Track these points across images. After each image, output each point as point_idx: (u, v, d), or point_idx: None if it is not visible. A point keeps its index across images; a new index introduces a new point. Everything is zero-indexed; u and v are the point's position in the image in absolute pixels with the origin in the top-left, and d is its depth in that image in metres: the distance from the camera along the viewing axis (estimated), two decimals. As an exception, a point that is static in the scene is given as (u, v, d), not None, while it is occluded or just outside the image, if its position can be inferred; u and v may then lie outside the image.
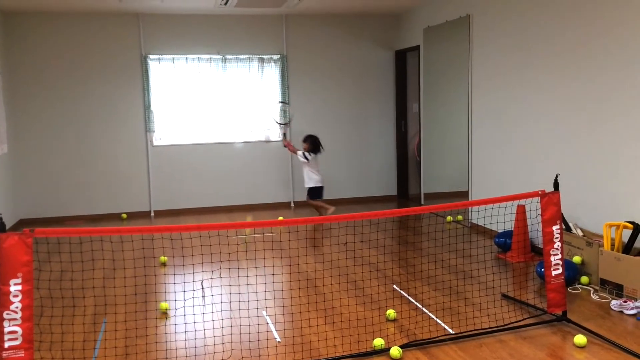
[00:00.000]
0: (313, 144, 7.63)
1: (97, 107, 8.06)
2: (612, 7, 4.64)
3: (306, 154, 7.59)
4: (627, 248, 4.35)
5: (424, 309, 4.25)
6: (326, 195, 8.82)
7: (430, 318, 4.07)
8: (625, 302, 4.07)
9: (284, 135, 8.28)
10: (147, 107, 8.16)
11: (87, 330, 4.02)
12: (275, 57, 8.52)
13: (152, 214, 8.31)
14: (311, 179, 7.67)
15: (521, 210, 5.49)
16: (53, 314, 4.23)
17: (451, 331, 3.82)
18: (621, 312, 4.04)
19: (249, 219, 7.88)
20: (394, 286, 4.81)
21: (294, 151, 7.78)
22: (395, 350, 3.43)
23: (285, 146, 7.98)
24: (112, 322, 4.17)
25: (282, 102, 8.41)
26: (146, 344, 3.76)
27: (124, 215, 8.18)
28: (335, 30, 8.71)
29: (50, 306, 4.42)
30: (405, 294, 4.59)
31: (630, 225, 4.31)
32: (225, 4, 7.39)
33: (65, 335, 3.86)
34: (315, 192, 7.70)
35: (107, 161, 8.17)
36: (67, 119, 7.98)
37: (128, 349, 3.69)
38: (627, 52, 4.52)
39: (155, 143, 8.26)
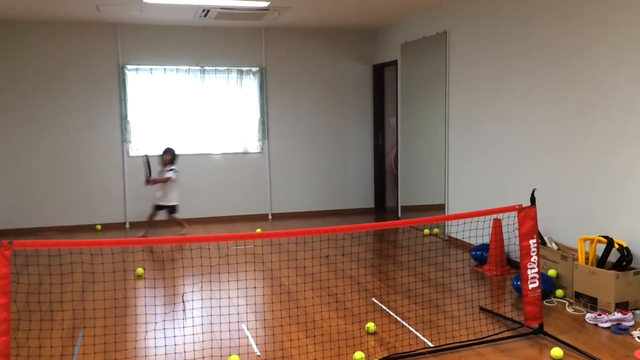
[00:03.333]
0: (174, 156, 7.49)
1: (73, 117, 7.98)
2: (586, 24, 4.77)
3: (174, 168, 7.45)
4: (601, 262, 4.45)
5: (403, 322, 4.29)
6: (304, 207, 8.89)
7: (409, 331, 4.11)
8: (599, 315, 4.16)
9: None
10: (123, 118, 8.10)
11: (65, 344, 3.96)
12: (254, 69, 8.55)
13: (127, 226, 8.22)
14: (174, 195, 7.49)
15: (498, 224, 5.57)
16: (30, 327, 4.16)
17: (430, 344, 3.86)
18: (596, 325, 4.13)
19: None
20: (374, 299, 4.84)
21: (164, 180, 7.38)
22: (376, 364, 3.45)
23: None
24: (89, 335, 4.12)
25: None
26: (125, 357, 3.73)
27: (99, 227, 8.08)
28: (314, 44, 8.77)
29: (27, 319, 4.35)
30: (385, 307, 4.62)
31: (604, 240, 4.42)
32: (205, 15, 7.40)
33: (43, 349, 3.80)
34: (174, 209, 7.54)
35: (82, 172, 8.07)
36: (42, 129, 7.88)
37: (107, 364, 3.66)
38: (602, 68, 4.65)
39: (131, 154, 8.20)
